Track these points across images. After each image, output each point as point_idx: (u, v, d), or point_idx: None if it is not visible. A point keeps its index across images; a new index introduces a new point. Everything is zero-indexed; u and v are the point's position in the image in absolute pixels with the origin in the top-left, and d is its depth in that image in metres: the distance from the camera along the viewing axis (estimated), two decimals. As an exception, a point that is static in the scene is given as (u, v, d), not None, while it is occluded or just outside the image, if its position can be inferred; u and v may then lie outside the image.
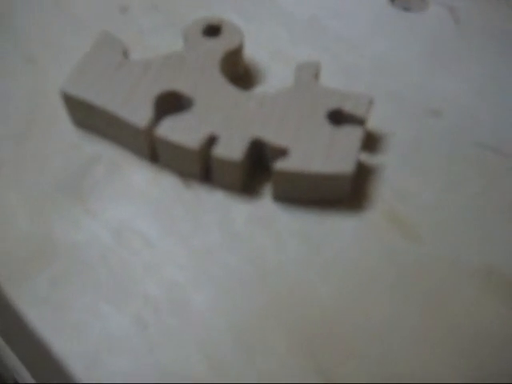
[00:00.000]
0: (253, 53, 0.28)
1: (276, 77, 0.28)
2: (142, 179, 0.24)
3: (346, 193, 0.23)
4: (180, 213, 0.23)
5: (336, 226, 0.23)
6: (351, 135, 0.23)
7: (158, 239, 0.22)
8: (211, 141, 0.23)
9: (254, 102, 0.23)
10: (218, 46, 0.26)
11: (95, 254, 0.22)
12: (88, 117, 0.25)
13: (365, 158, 0.24)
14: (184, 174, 0.24)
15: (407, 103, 0.27)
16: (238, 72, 0.27)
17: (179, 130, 0.23)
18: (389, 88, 0.27)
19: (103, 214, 0.23)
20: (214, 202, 0.23)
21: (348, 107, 0.23)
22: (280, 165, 0.22)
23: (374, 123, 0.25)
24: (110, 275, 0.22)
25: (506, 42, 0.30)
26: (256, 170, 0.24)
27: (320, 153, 0.22)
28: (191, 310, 0.21)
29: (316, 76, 0.25)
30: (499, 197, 0.24)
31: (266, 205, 0.23)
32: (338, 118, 0.24)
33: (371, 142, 0.25)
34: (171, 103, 0.24)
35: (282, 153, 0.22)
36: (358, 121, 0.23)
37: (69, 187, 0.24)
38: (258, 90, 0.27)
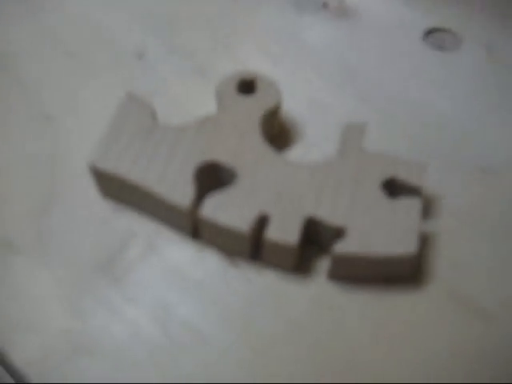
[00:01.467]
0: (287, 103, 0.27)
1: (316, 131, 0.27)
2: (184, 258, 0.23)
3: (409, 272, 0.22)
4: (229, 297, 0.22)
5: (395, 305, 0.22)
6: (410, 209, 0.22)
7: (208, 330, 0.21)
8: (262, 221, 0.22)
9: (304, 173, 0.23)
10: (256, 106, 0.24)
11: (141, 350, 0.21)
12: (119, 191, 0.23)
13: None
14: (230, 253, 0.23)
15: (454, 159, 0.26)
16: (275, 128, 0.26)
17: (226, 210, 0.22)
18: (432, 142, 0.27)
19: (144, 301, 0.22)
20: (266, 284, 0.22)
21: (403, 175, 0.23)
22: (339, 248, 0.21)
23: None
24: (160, 376, 0.21)
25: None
26: (307, 247, 0.23)
27: (379, 231, 0.21)
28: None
29: (363, 138, 0.24)
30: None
31: (321, 284, 0.22)
32: (391, 187, 0.23)
33: (423, 207, 0.24)
34: (212, 176, 0.23)
35: (338, 232, 0.21)
36: (414, 190, 0.23)
37: (103, 269, 0.23)
38: (298, 148, 0.26)
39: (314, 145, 0.26)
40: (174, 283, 0.23)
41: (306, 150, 0.26)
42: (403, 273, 0.22)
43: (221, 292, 0.22)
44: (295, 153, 0.26)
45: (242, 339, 0.21)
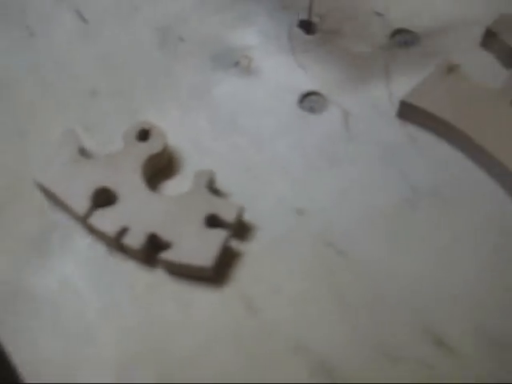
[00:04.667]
0: (179, 141, 0.49)
1: (194, 167, 0.51)
2: (83, 244, 0.48)
3: (210, 276, 0.43)
4: (107, 273, 0.48)
5: (202, 295, 0.44)
6: (217, 237, 0.46)
7: (84, 287, 0.48)
8: (123, 230, 0.46)
9: (163, 202, 0.46)
10: (143, 151, 0.51)
11: (48, 298, 0.49)
12: (51, 198, 0.51)
13: (235, 244, 0.46)
14: (109, 246, 0.49)
15: (280, 201, 0.47)
16: (163, 163, 0.51)
17: (105, 220, 0.48)
18: (273, 189, 0.48)
19: (55, 269, 0.49)
20: (127, 269, 0.48)
21: (221, 214, 0.46)
22: (163, 255, 0.45)
23: (251, 215, 0.47)
24: (56, 313, 0.46)
25: (387, 151, 0.50)
26: (154, 249, 0.46)
27: (192, 248, 0.45)
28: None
29: (210, 182, 0.49)
30: (328, 287, 0.47)
31: (159, 273, 0.46)
32: (214, 221, 0.48)
33: (243, 231, 0.46)
34: (104, 195, 0.47)
35: (167, 245, 0.46)
36: (227, 225, 0.48)
37: (34, 247, 0.51)
38: (176, 180, 0.50)
39: (187, 178, 0.49)
40: (75, 260, 0.51)
41: (180, 182, 0.49)
42: (206, 276, 0.44)
43: (105, 269, 0.47)
44: (173, 183, 0.49)
45: (101, 296, 0.47)
